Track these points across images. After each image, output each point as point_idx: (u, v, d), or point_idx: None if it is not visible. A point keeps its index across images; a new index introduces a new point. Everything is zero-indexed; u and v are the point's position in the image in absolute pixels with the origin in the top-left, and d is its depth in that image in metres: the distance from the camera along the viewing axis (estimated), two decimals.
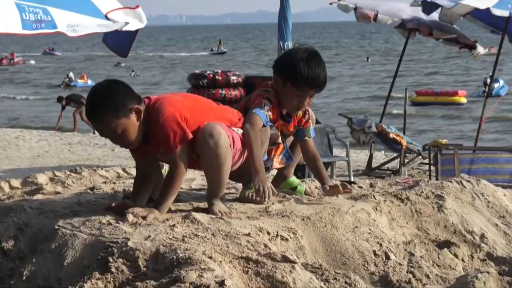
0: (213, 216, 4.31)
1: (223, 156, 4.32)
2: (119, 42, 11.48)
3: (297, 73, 4.72)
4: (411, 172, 14.49)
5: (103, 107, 4.24)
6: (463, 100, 33.16)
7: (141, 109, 4.31)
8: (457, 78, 47.57)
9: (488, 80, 32.85)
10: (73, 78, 49.74)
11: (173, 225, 4.11)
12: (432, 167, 13.16)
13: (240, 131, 4.59)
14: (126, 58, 14.10)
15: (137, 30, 10.79)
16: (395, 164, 14.86)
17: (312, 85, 4.80)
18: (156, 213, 4.25)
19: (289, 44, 14.41)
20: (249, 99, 4.87)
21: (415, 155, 14.34)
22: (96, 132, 23.64)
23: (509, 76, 42.11)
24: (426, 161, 13.81)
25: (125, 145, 4.40)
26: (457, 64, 57.36)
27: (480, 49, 14.98)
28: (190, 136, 4.30)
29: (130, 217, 4.13)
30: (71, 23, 10.01)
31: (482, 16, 13.86)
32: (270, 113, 4.72)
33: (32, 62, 73.24)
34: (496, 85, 31.63)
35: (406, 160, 14.23)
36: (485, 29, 14.60)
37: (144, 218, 4.15)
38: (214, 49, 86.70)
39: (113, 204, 4.44)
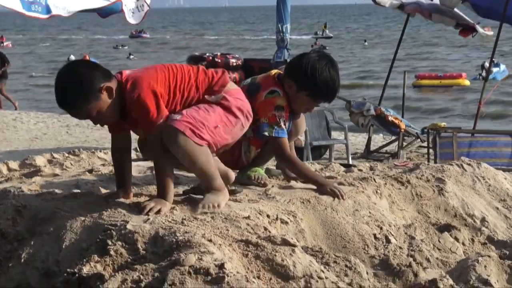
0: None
1: (190, 153, 4.10)
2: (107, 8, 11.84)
3: (317, 88, 4.68)
4: (409, 155, 14.49)
5: (72, 95, 4.08)
6: (467, 82, 33.13)
7: (112, 86, 4.11)
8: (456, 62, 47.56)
9: (486, 64, 32.92)
10: None
11: (173, 208, 4.09)
12: (430, 150, 13.15)
13: (220, 96, 4.31)
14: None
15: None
16: (393, 147, 14.85)
17: (327, 99, 4.82)
18: (168, 204, 4.12)
19: (288, 27, 14.38)
20: (253, 91, 4.73)
21: (414, 138, 14.33)
22: (17, 108, 23.90)
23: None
24: (425, 144, 13.80)
25: (103, 124, 4.29)
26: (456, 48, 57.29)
27: (481, 31, 14.96)
28: (166, 112, 4.14)
29: (146, 214, 4.01)
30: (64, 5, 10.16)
31: (480, 1, 13.85)
32: (286, 121, 4.70)
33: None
34: (495, 70, 31.60)
35: (405, 143, 14.23)
36: (482, 16, 14.57)
37: (158, 212, 4.02)
38: (318, 32, 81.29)
39: (104, 195, 4.38)
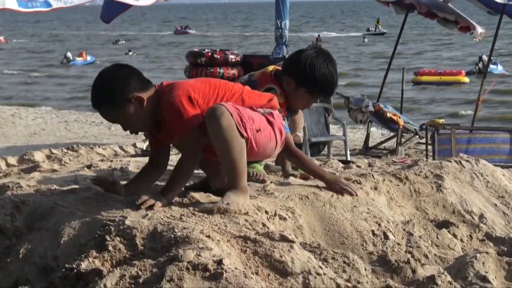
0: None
1: (228, 136, 3.99)
2: (109, 9, 11.76)
3: (316, 84, 4.67)
4: (407, 151, 14.48)
5: (102, 96, 4.10)
6: (466, 79, 33.14)
7: (144, 97, 4.08)
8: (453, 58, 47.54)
9: (484, 57, 32.95)
10: (71, 58, 49.57)
11: (171, 204, 4.09)
12: (429, 147, 13.15)
13: (267, 110, 4.33)
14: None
15: (130, 5, 10.99)
16: (392, 143, 14.86)
17: (326, 95, 4.82)
18: (164, 201, 4.06)
19: (287, 23, 14.37)
20: (250, 87, 4.66)
21: (412, 134, 14.33)
22: None
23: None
24: (423, 140, 13.79)
25: (132, 132, 4.28)
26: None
27: (479, 30, 14.94)
28: (201, 119, 4.05)
29: (139, 205, 3.99)
30: None
31: None
32: (284, 116, 4.68)
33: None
34: (492, 67, 31.61)
35: (403, 140, 14.23)
36: (481, 10, 14.56)
37: (151, 207, 3.97)
38: (371, 29, 78.15)
39: (98, 179, 4.35)
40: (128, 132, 4.28)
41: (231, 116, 4.00)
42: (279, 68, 4.85)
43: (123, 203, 4.07)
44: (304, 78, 4.66)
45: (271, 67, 4.88)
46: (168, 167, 4.44)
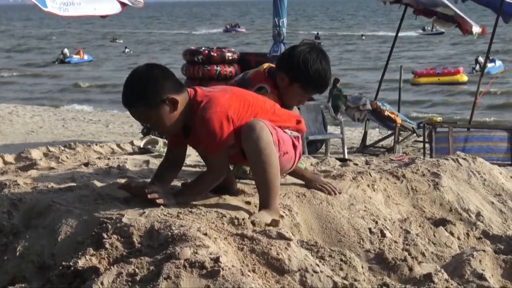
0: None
1: (267, 151, 3.98)
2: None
3: (309, 79, 4.65)
4: (405, 149, 14.51)
5: (135, 95, 4.00)
6: (465, 78, 33.14)
7: (178, 99, 4.01)
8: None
9: (480, 58, 32.98)
10: (67, 54, 49.57)
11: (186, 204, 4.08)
12: (426, 145, 13.17)
13: (295, 134, 4.37)
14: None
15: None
16: (389, 141, 14.87)
17: (320, 90, 4.80)
18: (172, 201, 4.05)
19: (284, 21, 14.37)
20: (243, 87, 4.59)
21: (410, 132, 14.35)
22: None
23: None
24: (421, 138, 13.82)
25: (161, 132, 4.22)
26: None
27: (476, 29, 14.97)
28: (233, 141, 4.03)
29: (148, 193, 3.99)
30: (65, 1, 10.08)
31: None
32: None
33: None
34: (491, 65, 31.65)
35: (401, 138, 14.25)
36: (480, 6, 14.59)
37: (153, 201, 3.97)
38: (427, 28, 74.02)
39: (132, 184, 4.23)
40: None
41: (270, 133, 4.02)
42: (273, 65, 4.84)
43: (120, 201, 4.07)
44: (297, 74, 4.65)
45: (265, 65, 4.86)
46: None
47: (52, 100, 31.10)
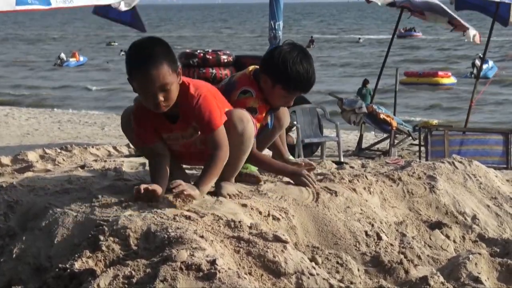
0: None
1: (246, 145, 4.30)
2: (135, 18, 11.87)
3: (290, 79, 4.59)
4: (400, 153, 14.52)
5: (162, 54, 3.99)
6: (445, 80, 33.27)
7: (181, 73, 4.13)
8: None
9: (477, 62, 33.01)
10: (64, 59, 49.40)
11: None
12: (422, 148, 13.18)
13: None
14: None
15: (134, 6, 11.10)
16: (385, 144, 14.89)
17: (303, 90, 4.75)
18: (197, 192, 4.06)
19: (281, 24, 14.36)
20: (229, 89, 4.66)
21: (405, 136, 14.37)
22: None
23: None
24: (416, 142, 13.84)
25: (164, 104, 4.08)
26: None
27: (472, 32, 15.00)
28: (225, 118, 4.19)
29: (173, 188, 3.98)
30: None
31: None
32: (256, 122, 4.64)
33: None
34: (484, 66, 31.66)
35: (396, 141, 14.27)
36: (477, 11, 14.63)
37: (181, 192, 3.97)
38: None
39: (144, 187, 4.04)
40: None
41: (254, 126, 4.30)
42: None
43: (116, 203, 4.07)
44: (278, 75, 4.61)
45: (251, 67, 4.82)
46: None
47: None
